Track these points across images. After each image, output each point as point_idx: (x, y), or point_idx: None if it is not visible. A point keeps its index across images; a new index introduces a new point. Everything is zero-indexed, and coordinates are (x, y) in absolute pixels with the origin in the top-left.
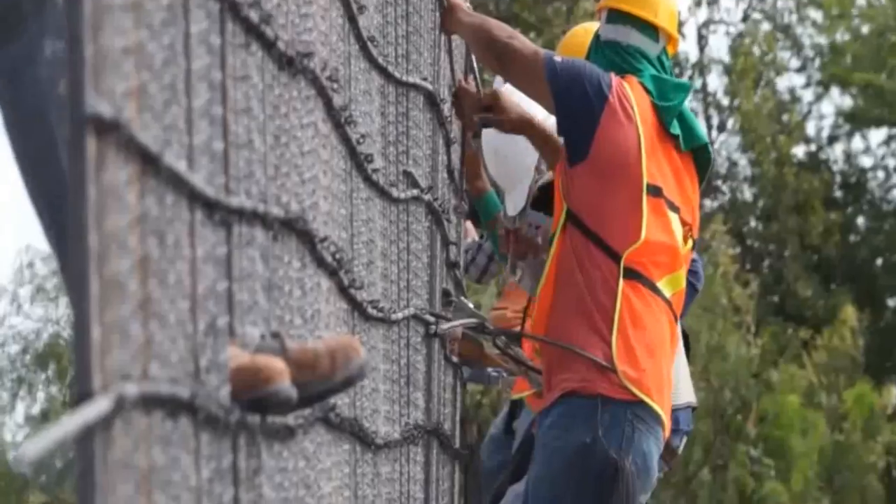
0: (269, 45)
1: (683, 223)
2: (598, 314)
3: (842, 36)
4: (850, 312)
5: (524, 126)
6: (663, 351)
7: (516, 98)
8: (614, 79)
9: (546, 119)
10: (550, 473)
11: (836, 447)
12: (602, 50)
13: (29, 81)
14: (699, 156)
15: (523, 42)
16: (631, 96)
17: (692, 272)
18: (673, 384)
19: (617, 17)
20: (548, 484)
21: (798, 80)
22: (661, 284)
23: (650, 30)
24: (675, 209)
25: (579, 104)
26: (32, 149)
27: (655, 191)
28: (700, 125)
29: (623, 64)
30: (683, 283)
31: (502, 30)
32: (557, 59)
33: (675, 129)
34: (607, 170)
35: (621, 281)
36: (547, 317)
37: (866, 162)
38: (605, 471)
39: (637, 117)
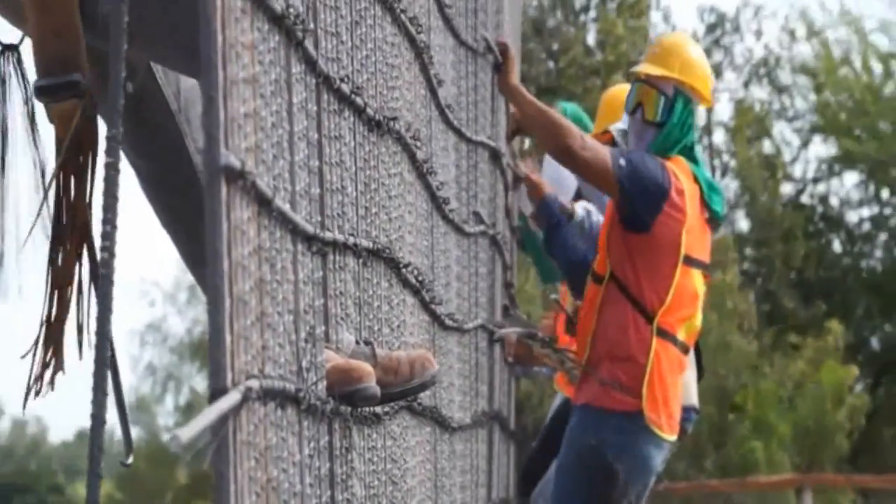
0: (359, 111)
1: (704, 275)
2: (632, 364)
3: (826, 97)
4: (836, 327)
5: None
6: (677, 387)
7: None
8: (670, 172)
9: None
10: (567, 466)
11: (811, 414)
12: (674, 129)
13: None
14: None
15: (593, 150)
16: (683, 183)
17: None
18: (686, 388)
19: (684, 91)
20: (565, 475)
21: (787, 131)
22: (680, 335)
23: (699, 99)
24: (700, 265)
25: (643, 198)
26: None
27: (688, 259)
28: (721, 199)
29: (684, 139)
30: (699, 323)
31: (573, 136)
32: (621, 161)
33: (718, 209)
34: (659, 247)
35: (654, 340)
36: (587, 346)
37: (841, 199)
38: (602, 471)
39: (687, 203)
